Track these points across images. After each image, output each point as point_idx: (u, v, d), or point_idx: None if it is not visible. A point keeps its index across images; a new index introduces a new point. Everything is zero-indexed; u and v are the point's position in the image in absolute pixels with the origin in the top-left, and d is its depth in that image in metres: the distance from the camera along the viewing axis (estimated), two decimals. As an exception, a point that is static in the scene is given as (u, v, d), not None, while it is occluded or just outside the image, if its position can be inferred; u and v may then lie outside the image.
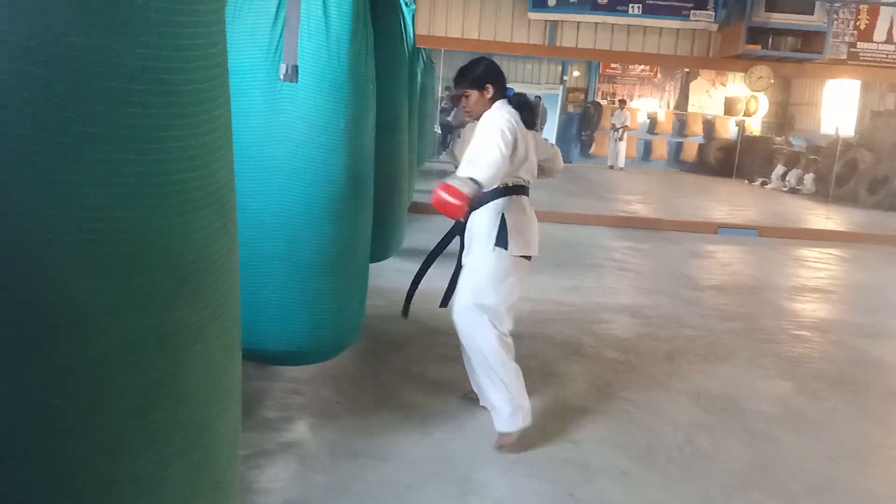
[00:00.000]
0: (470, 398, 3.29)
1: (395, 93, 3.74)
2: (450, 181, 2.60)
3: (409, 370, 3.70)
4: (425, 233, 6.77)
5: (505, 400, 2.92)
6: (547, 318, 4.71)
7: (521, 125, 2.96)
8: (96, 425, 0.83)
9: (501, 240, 2.94)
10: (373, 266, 4.94)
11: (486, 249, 2.96)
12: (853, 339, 4.84)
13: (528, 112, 3.09)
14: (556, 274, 5.94)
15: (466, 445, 2.96)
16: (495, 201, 2.97)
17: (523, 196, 3.06)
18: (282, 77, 2.35)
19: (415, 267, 5.38)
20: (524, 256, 3.06)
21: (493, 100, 3.03)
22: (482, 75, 3.04)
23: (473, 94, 3.04)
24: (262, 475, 2.63)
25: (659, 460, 2.95)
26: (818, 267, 7.46)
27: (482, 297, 2.94)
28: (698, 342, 4.51)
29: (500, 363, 2.93)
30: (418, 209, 7.36)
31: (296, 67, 2.36)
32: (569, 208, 9.52)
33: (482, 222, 2.98)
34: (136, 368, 0.85)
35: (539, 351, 4.07)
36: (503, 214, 2.96)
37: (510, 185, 2.99)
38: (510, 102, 3.04)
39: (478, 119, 3.03)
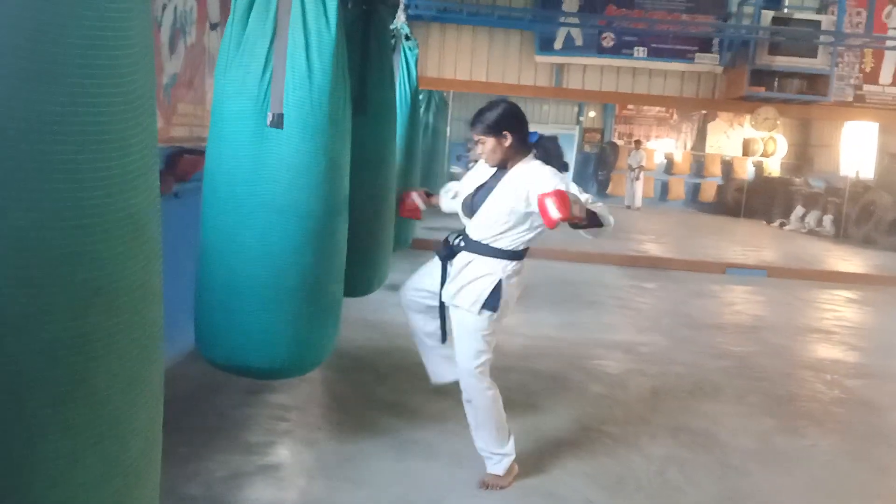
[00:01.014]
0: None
1: (384, 133, 3.92)
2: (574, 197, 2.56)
3: (395, 400, 3.82)
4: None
5: (496, 446, 2.95)
6: (537, 353, 4.80)
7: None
8: (13, 413, 0.98)
9: (491, 304, 2.83)
10: (369, 300, 5.09)
11: (475, 311, 2.84)
12: (846, 380, 4.86)
13: (557, 161, 2.88)
14: (553, 311, 6.04)
15: (438, 472, 3.05)
16: (501, 262, 2.85)
17: (524, 259, 2.95)
18: (268, 124, 2.56)
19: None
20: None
21: (513, 148, 2.82)
22: (499, 121, 2.79)
23: (489, 141, 2.81)
24: (239, 495, 2.75)
25: (627, 490, 3.02)
26: (825, 308, 7.46)
27: (481, 356, 2.88)
28: (686, 379, 4.57)
29: (497, 419, 2.94)
30: (421, 245, 7.50)
31: (281, 115, 2.56)
32: (577, 247, 9.62)
33: (478, 277, 2.85)
34: (52, 365, 1.01)
35: (524, 384, 4.16)
36: (501, 280, 2.83)
37: (520, 249, 2.89)
38: (536, 155, 2.86)
39: (495, 166, 2.88)
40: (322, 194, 2.63)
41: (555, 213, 2.50)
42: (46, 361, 1.00)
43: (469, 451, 3.09)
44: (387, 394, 3.90)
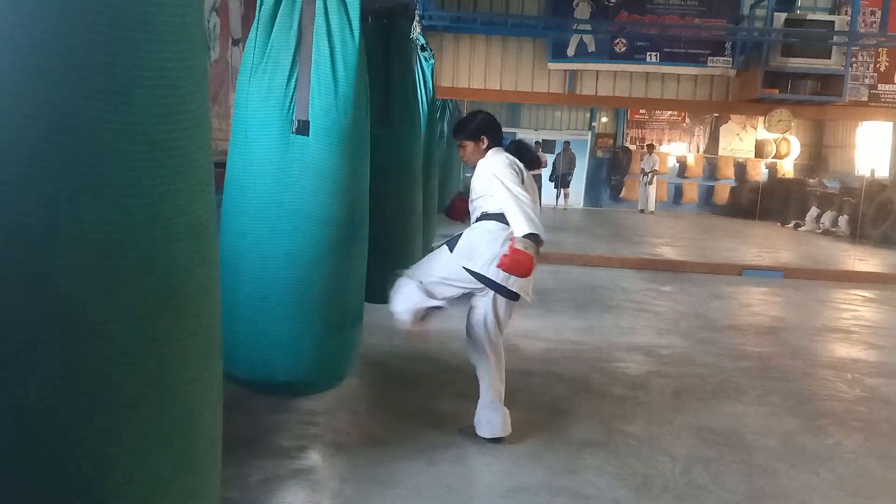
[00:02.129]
0: (466, 432, 3.45)
1: (410, 142, 4.00)
2: (517, 245, 2.98)
3: (421, 404, 3.88)
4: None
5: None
6: (560, 357, 4.85)
7: (520, 164, 3.26)
8: (93, 413, 1.05)
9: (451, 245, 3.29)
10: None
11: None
12: (867, 379, 4.87)
13: (528, 154, 3.39)
14: (573, 315, 6.09)
15: (468, 475, 3.11)
16: (498, 228, 3.19)
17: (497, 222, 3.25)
18: (293, 131, 2.61)
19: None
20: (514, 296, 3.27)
21: (489, 149, 3.32)
22: (477, 128, 3.34)
23: (469, 144, 3.33)
24: (275, 497, 2.82)
25: (653, 490, 3.06)
26: (843, 308, 7.46)
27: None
28: (708, 380, 4.60)
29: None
30: (441, 252, 7.58)
31: (307, 122, 2.62)
32: (595, 251, 9.68)
33: (482, 243, 3.20)
34: (126, 368, 1.08)
35: (548, 387, 4.21)
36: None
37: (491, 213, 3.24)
38: (508, 149, 3.34)
39: (474, 165, 3.35)
40: (346, 201, 2.70)
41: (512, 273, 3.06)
42: (122, 364, 1.07)
43: (497, 455, 3.15)
44: (414, 398, 3.97)
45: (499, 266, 3.03)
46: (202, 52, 1.23)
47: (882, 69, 8.77)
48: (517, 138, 3.58)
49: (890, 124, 12.41)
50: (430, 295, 3.18)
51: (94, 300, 1.03)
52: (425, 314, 3.23)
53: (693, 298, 7.43)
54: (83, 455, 1.06)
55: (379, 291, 3.11)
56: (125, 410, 1.09)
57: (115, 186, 1.04)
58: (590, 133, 17.58)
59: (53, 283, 0.99)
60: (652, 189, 16.19)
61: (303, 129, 2.61)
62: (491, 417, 3.35)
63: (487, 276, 3.17)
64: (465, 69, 8.50)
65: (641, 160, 16.38)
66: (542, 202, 15.79)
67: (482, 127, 3.34)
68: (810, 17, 8.38)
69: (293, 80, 2.60)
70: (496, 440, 3.35)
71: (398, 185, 3.67)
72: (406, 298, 3.18)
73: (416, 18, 5.67)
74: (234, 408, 3.56)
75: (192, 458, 1.20)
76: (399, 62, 4.01)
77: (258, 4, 2.67)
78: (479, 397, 3.40)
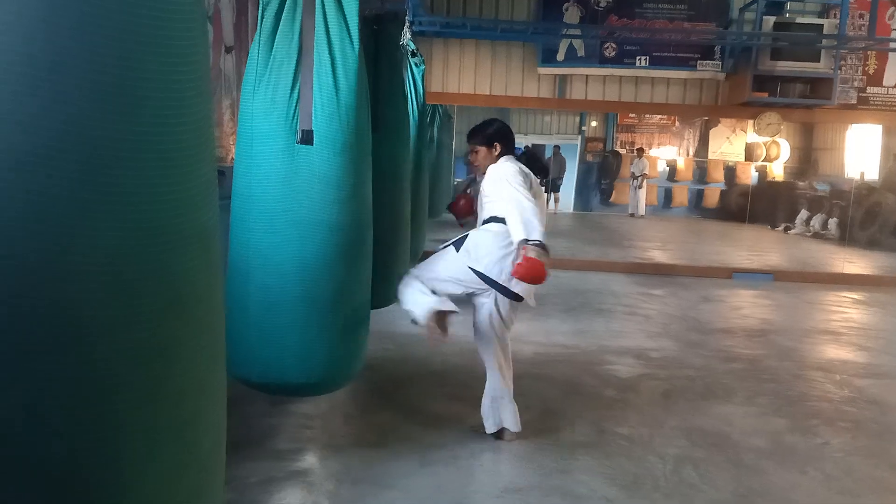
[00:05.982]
0: (476, 431, 3.51)
1: (399, 148, 4.04)
2: (529, 254, 3.02)
3: (414, 407, 3.92)
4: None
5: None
6: (551, 360, 4.89)
7: (530, 173, 3.36)
8: (103, 413, 1.09)
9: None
10: (383, 312, 5.20)
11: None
12: (856, 380, 4.93)
13: (539, 164, 3.55)
14: (564, 319, 6.14)
15: (460, 475, 3.15)
16: (504, 230, 3.23)
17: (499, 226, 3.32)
18: (298, 141, 2.65)
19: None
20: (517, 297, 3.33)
21: (500, 156, 3.43)
22: (493, 134, 3.45)
23: (482, 150, 3.45)
24: (272, 499, 2.85)
25: (644, 489, 3.11)
26: (832, 310, 7.53)
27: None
28: (698, 382, 4.65)
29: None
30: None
31: (311, 132, 2.65)
32: (585, 255, 9.74)
33: (487, 244, 3.29)
34: (135, 369, 1.12)
35: (540, 390, 4.25)
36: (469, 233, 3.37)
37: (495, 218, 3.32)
38: (519, 159, 3.44)
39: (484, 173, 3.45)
40: (352, 208, 2.74)
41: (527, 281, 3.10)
42: (132, 364, 1.11)
43: (490, 456, 3.19)
44: (406, 401, 4.00)
45: (513, 275, 3.08)
46: (206, 64, 1.27)
47: (871, 72, 8.85)
48: (529, 147, 3.64)
49: (879, 127, 12.54)
50: (435, 292, 3.26)
51: (105, 303, 1.07)
52: (443, 320, 3.28)
53: (683, 302, 7.49)
54: (94, 450, 1.09)
55: (372, 297, 3.15)
56: (133, 410, 1.12)
57: (126, 194, 1.08)
58: (579, 137, 17.65)
59: (67, 286, 1.03)
60: (642, 193, 16.28)
61: (307, 138, 2.64)
62: (501, 411, 3.45)
63: (490, 277, 3.26)
64: (455, 74, 8.55)
65: (631, 164, 16.47)
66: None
67: (497, 135, 3.45)
68: (799, 20, 8.45)
69: (296, 91, 2.63)
70: (498, 436, 3.46)
71: (387, 191, 3.70)
72: (418, 301, 3.26)
73: (406, 24, 5.72)
74: (230, 412, 3.59)
75: (197, 457, 1.24)
76: (389, 68, 4.05)
77: (259, 18, 2.69)
78: (482, 395, 3.49)
